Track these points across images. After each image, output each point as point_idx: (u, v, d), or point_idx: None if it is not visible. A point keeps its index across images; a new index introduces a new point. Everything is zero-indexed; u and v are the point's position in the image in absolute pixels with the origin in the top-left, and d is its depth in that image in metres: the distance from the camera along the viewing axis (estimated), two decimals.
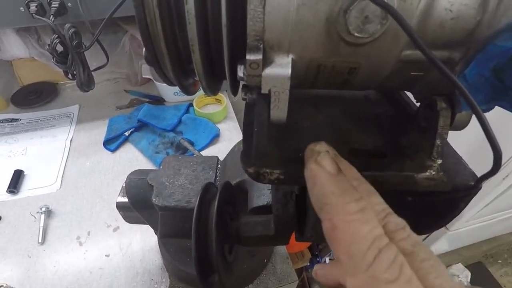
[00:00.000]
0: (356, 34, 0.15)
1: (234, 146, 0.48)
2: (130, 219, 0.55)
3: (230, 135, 0.83)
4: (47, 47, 0.69)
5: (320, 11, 0.15)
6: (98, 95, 0.99)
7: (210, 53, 0.18)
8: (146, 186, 0.48)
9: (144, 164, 0.78)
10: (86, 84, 0.73)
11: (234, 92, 0.22)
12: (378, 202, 0.17)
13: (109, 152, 0.81)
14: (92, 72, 0.76)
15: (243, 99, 0.22)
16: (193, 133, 0.81)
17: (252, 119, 0.23)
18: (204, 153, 0.78)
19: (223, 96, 0.88)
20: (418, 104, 0.23)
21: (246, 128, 0.22)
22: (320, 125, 0.23)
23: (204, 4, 0.15)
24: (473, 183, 0.19)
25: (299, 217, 0.26)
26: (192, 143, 0.77)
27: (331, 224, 0.16)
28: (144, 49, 0.18)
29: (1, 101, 0.93)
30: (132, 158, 0.80)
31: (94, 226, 0.66)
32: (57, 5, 0.67)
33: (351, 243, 0.15)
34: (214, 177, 0.48)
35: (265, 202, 0.36)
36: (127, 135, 0.83)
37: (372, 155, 0.21)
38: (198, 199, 0.28)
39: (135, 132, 0.84)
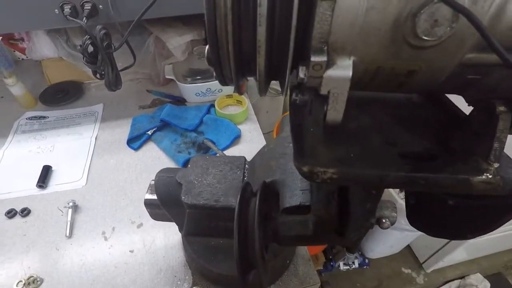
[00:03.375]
0: (424, 37, 0.15)
1: (264, 147, 0.48)
2: (156, 216, 0.56)
3: (251, 136, 0.84)
4: (79, 47, 0.72)
5: (388, 14, 0.15)
6: (122, 95, 1.01)
7: (272, 55, 0.18)
8: (175, 184, 0.49)
9: (167, 163, 0.79)
10: (114, 83, 0.75)
11: (282, 91, 0.23)
12: None
13: (133, 151, 0.83)
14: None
15: (294, 100, 0.22)
16: (214, 133, 0.82)
17: (301, 121, 0.23)
18: (226, 153, 0.79)
19: (244, 98, 0.89)
20: (467, 108, 0.23)
21: (296, 129, 0.23)
22: (366, 126, 0.23)
23: (274, 6, 0.16)
24: None
25: (340, 218, 0.27)
26: (214, 143, 0.78)
27: None
28: (206, 49, 0.19)
29: (30, 99, 0.97)
30: (155, 157, 0.81)
31: (119, 222, 0.67)
32: (90, 7, 0.69)
33: None
34: (241, 177, 0.48)
35: (298, 203, 0.36)
36: (150, 134, 0.85)
37: (423, 157, 0.21)
38: (238, 198, 0.28)
39: (157, 132, 0.86)
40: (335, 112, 0.19)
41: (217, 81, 0.76)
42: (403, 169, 0.19)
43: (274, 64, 0.19)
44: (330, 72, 0.17)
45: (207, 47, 0.19)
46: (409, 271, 1.52)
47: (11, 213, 0.67)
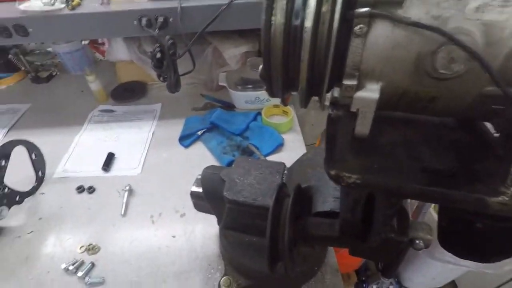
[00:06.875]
0: (441, 71, 0.18)
1: (303, 156, 0.52)
2: (199, 207, 0.62)
3: (294, 146, 0.88)
4: (149, 53, 0.82)
5: (411, 50, 0.19)
6: (178, 97, 1.11)
7: (312, 76, 0.22)
8: (218, 181, 0.54)
9: (212, 162, 0.86)
10: (175, 86, 0.84)
11: (322, 106, 0.27)
12: None
13: (183, 148, 0.91)
14: None
15: (329, 114, 0.26)
16: (259, 139, 0.87)
17: (334, 132, 0.27)
18: (267, 159, 0.84)
19: (291, 109, 0.94)
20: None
21: (330, 139, 0.26)
22: (395, 142, 0.26)
23: (316, 42, 0.20)
24: None
25: (364, 223, 0.29)
26: (257, 149, 0.83)
27: None
28: (260, 67, 0.23)
29: (104, 94, 1.11)
30: (202, 155, 0.88)
31: (165, 209, 0.75)
32: (162, 20, 0.80)
33: None
34: (280, 181, 0.52)
35: (329, 209, 0.39)
36: (199, 134, 0.93)
37: (442, 174, 0.23)
38: (274, 196, 0.32)
39: (206, 133, 0.93)
40: (363, 127, 0.22)
41: (265, 91, 0.82)
42: (420, 182, 0.22)
43: (313, 84, 0.23)
44: (359, 94, 0.21)
45: (260, 66, 0.23)
46: None
47: (80, 189, 0.79)
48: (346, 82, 0.20)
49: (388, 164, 0.24)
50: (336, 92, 0.21)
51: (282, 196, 0.34)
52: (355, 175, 0.23)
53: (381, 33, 0.18)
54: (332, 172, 0.23)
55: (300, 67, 0.21)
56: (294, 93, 0.26)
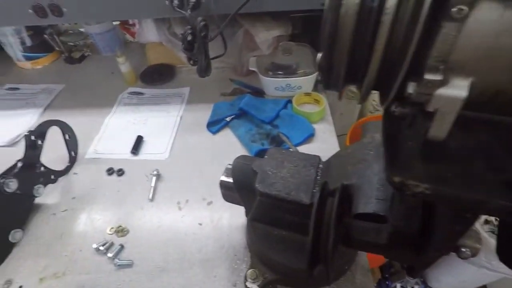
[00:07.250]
0: None
1: (341, 150, 0.48)
2: (227, 198, 0.61)
3: (325, 137, 0.84)
4: (180, 35, 0.80)
5: None
6: (206, 81, 1.08)
7: (383, 69, 0.19)
8: (250, 172, 0.52)
9: (240, 150, 0.84)
10: (205, 70, 0.82)
11: (383, 102, 0.23)
12: None
13: (211, 134, 0.90)
14: None
15: (393, 111, 0.23)
16: (289, 128, 0.84)
17: (396, 132, 0.23)
18: (299, 150, 0.81)
19: (322, 98, 0.89)
20: None
21: (390, 139, 0.23)
22: (471, 148, 0.22)
23: (394, 28, 0.17)
24: None
25: (420, 235, 0.26)
26: (287, 138, 0.80)
27: None
28: (319, 56, 0.20)
29: (133, 76, 1.12)
30: (230, 143, 0.87)
31: (192, 196, 0.74)
32: (194, 0, 0.77)
33: None
34: (314, 175, 0.49)
35: (372, 211, 0.36)
36: (228, 120, 0.91)
37: None
38: (318, 196, 0.30)
39: (235, 119, 0.91)
40: (439, 130, 0.19)
41: (297, 78, 0.78)
42: (506, 198, 0.18)
43: (382, 77, 0.20)
44: (442, 91, 0.17)
45: (319, 54, 0.20)
46: None
47: (110, 171, 0.80)
48: (428, 76, 0.17)
49: (464, 174, 0.20)
50: (410, 87, 0.18)
51: (325, 194, 0.32)
52: (424, 184, 0.20)
53: (486, 16, 0.15)
54: (396, 179, 0.20)
55: (372, 57, 0.18)
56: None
